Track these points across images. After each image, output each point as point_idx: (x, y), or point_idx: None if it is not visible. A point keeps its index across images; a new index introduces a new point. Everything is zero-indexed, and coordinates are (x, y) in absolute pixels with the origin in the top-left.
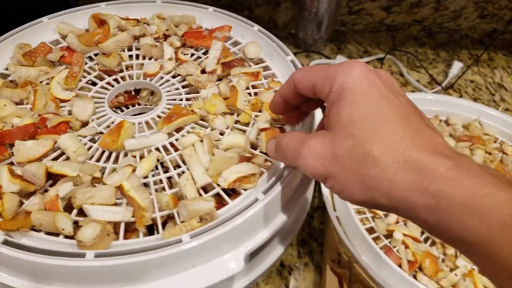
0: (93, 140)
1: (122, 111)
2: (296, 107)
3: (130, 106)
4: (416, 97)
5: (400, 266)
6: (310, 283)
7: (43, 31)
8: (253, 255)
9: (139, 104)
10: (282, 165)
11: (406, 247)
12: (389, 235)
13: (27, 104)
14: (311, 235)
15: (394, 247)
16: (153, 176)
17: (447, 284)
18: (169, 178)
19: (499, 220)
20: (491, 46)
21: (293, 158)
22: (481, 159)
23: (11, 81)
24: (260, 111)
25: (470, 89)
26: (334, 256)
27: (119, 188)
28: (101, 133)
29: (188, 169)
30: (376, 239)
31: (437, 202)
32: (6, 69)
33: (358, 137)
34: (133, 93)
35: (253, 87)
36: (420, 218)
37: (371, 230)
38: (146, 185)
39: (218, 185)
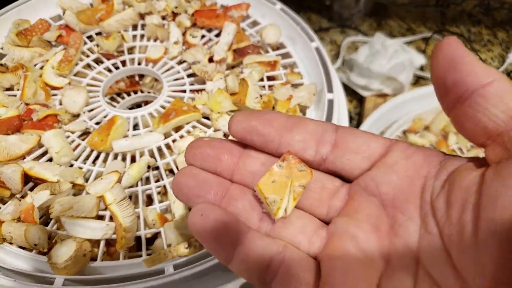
0: (85, 134)
1: (123, 98)
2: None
3: (132, 93)
4: None
5: None
6: None
7: (46, 5)
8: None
9: (142, 91)
10: None
11: None
12: None
13: (17, 90)
14: None
15: None
16: (147, 182)
17: None
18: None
19: None
20: None
21: None
22: None
23: (1, 64)
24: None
25: None
26: None
27: (102, 199)
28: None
29: None
30: None
31: None
32: (2, 48)
33: None
34: (136, 78)
35: (269, 78)
36: None
37: None
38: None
39: None
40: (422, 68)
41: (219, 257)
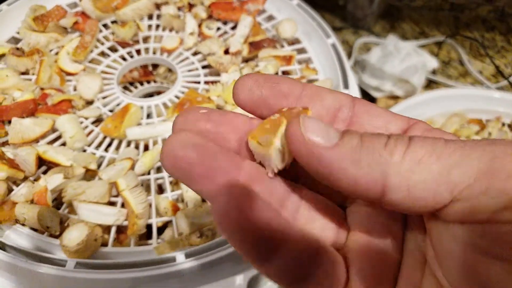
0: (98, 121)
1: (136, 87)
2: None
3: (145, 83)
4: (476, 93)
5: None
6: None
7: None
8: (260, 279)
9: (155, 81)
10: None
11: None
12: None
13: (33, 74)
14: None
15: None
16: (158, 171)
17: None
18: None
19: None
20: None
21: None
22: None
23: (17, 48)
24: None
25: None
26: None
27: (115, 184)
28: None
29: None
30: None
31: None
32: (18, 32)
33: None
34: (149, 68)
35: (284, 73)
36: None
37: None
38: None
39: None
40: (434, 72)
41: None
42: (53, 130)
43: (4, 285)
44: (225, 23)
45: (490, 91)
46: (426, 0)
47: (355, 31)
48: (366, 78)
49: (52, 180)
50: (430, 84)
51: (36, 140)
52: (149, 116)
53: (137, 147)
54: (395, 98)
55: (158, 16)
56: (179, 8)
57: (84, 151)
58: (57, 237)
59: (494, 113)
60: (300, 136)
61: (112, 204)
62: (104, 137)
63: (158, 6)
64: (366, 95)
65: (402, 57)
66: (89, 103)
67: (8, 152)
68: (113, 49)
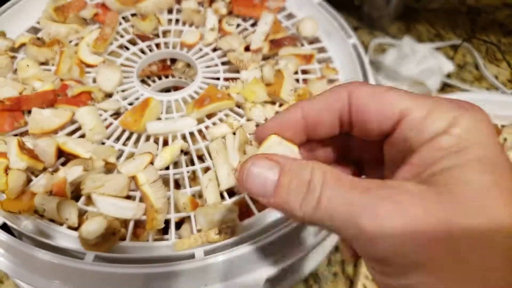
0: (117, 114)
1: (154, 81)
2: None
3: (163, 77)
4: (492, 98)
5: None
6: None
7: None
8: (276, 279)
9: (173, 76)
10: None
11: None
12: None
13: (52, 65)
14: None
15: None
16: (175, 166)
17: None
18: (194, 172)
19: None
20: None
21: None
22: None
23: (38, 38)
24: None
25: None
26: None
27: (134, 179)
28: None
29: (213, 166)
30: None
31: None
32: (39, 22)
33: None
34: (168, 62)
35: (304, 72)
36: None
37: None
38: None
39: None
40: (449, 75)
41: None
42: (72, 121)
43: (20, 275)
44: (244, 19)
45: (506, 96)
46: (442, 2)
47: (370, 31)
48: (381, 79)
49: (72, 172)
50: (444, 88)
51: (55, 131)
52: (167, 111)
53: (156, 141)
54: None
55: (178, 10)
56: (199, 3)
57: (103, 143)
58: (75, 229)
59: (510, 119)
60: (242, 183)
61: (129, 198)
62: (123, 131)
63: (178, 0)
64: None
65: (418, 60)
66: (108, 95)
67: (28, 142)
68: (132, 42)
